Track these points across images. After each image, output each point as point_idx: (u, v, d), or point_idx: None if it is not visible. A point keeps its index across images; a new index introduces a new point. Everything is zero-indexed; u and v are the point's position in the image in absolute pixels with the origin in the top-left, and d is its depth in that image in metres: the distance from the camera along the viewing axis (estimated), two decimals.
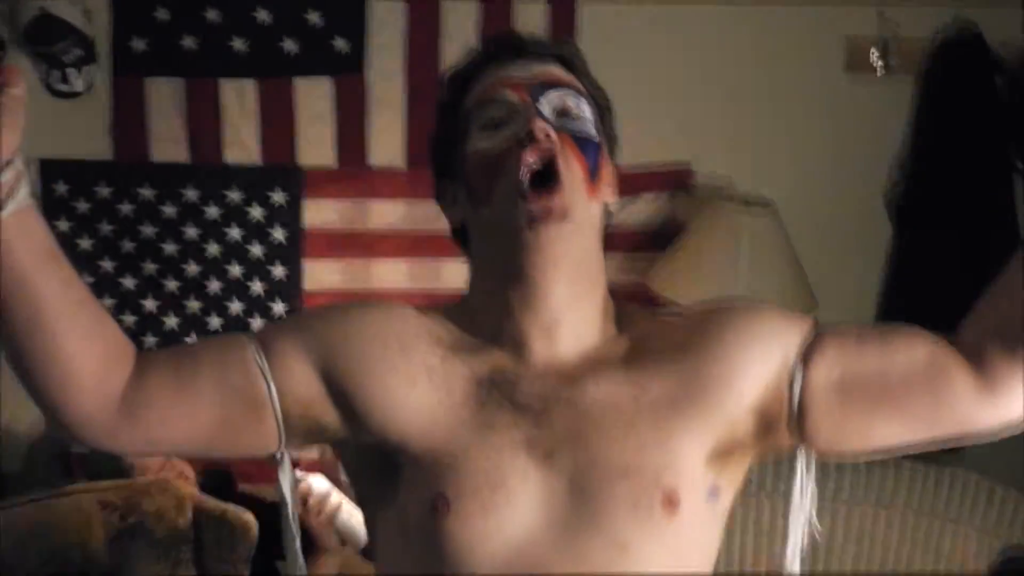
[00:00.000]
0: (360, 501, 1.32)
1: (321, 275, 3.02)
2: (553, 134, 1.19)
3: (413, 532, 1.20)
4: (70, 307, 1.17)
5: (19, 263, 1.14)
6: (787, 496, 2.12)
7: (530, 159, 1.17)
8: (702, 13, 2.93)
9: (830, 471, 2.31)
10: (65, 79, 2.86)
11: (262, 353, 1.21)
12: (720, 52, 2.95)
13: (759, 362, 1.21)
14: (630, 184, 3.00)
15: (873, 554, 2.29)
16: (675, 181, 3.01)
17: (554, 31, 2.91)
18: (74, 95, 2.88)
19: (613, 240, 3.00)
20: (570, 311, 1.22)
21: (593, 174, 1.22)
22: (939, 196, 2.92)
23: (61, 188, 2.94)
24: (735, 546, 2.30)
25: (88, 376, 1.16)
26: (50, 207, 2.94)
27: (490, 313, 1.24)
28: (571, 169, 1.19)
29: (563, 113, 1.22)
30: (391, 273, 3.02)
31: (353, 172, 2.98)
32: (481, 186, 1.22)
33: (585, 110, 1.24)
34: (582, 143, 1.21)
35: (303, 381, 1.22)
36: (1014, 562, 2.22)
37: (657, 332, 1.26)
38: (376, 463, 1.23)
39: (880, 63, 2.93)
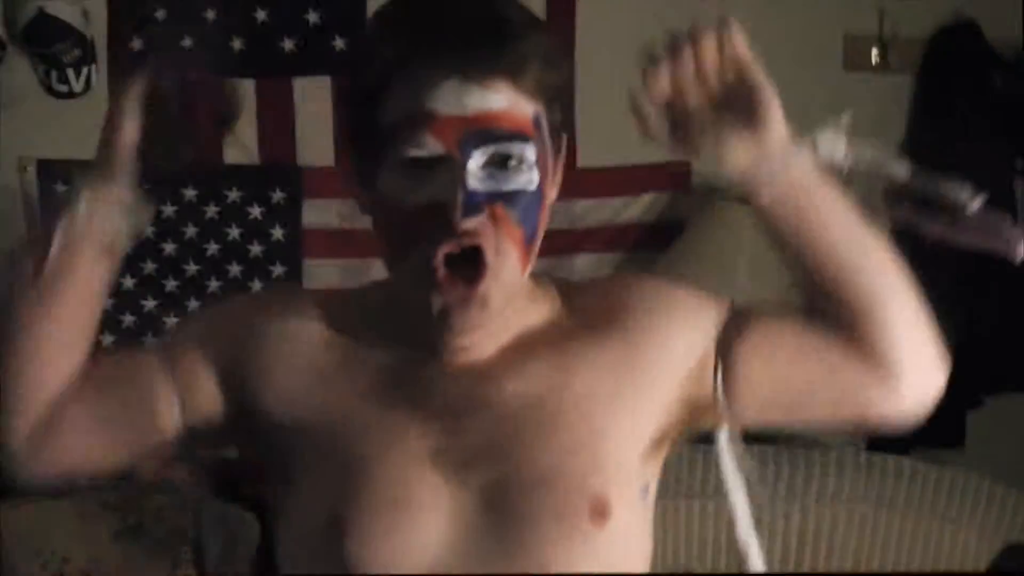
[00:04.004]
0: (259, 506, 1.26)
1: (320, 275, 3.02)
2: (479, 221, 1.02)
3: (313, 552, 1.10)
4: (90, 318, 1.18)
5: (86, 261, 1.17)
6: (773, 496, 2.13)
7: (449, 250, 1.03)
8: (701, 9, 2.91)
9: (830, 470, 2.31)
10: (64, 79, 2.85)
11: (171, 374, 1.16)
12: None
13: (687, 351, 1.13)
14: (631, 183, 3.01)
15: (872, 554, 2.29)
16: (674, 180, 3.00)
17: (553, 25, 2.90)
18: (73, 95, 2.88)
19: (613, 239, 3.03)
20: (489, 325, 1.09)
21: (530, 240, 1.07)
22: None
23: (60, 188, 2.94)
24: (735, 546, 2.30)
25: (50, 391, 1.13)
26: (49, 208, 2.94)
27: (403, 312, 1.11)
28: (501, 250, 1.04)
29: (499, 164, 1.04)
30: None
31: None
32: (391, 240, 1.08)
33: (528, 155, 1.05)
34: (519, 210, 1.05)
35: (208, 398, 1.16)
36: (1015, 562, 2.22)
37: (579, 307, 1.16)
38: (275, 474, 1.15)
39: (879, 60, 2.93)
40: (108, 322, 3.00)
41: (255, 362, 1.15)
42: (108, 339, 3.01)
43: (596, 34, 2.90)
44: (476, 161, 1.03)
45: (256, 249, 3.00)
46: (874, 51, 2.93)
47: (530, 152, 1.05)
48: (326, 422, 1.11)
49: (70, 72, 2.85)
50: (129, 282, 2.99)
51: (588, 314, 1.15)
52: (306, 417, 1.12)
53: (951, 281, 2.92)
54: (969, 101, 2.87)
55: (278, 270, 3.01)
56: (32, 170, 2.93)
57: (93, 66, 2.88)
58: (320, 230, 3.00)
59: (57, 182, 2.93)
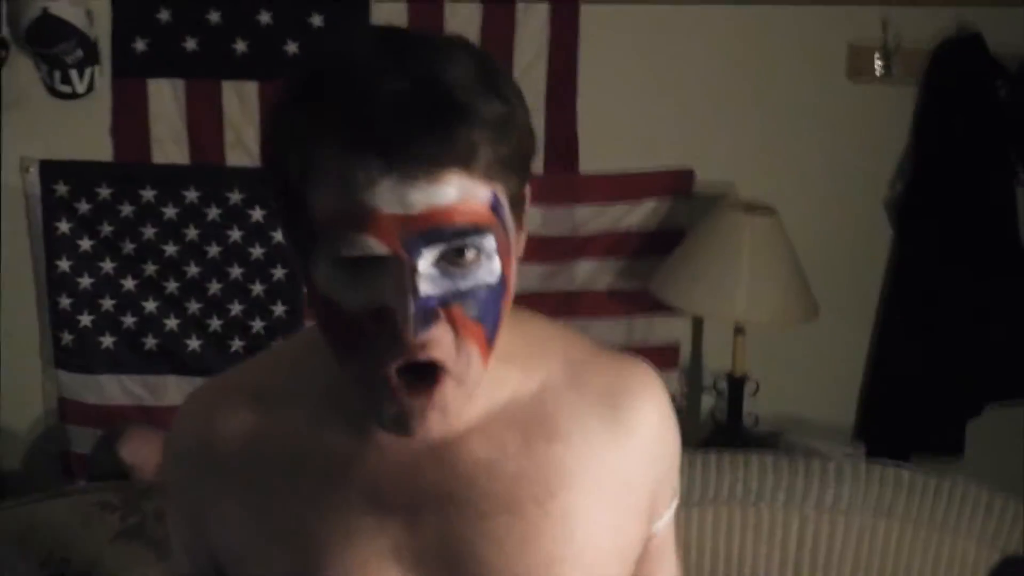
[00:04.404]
0: None
1: None
2: (435, 330, 0.89)
3: None
4: None
5: None
6: (787, 504, 2.12)
7: (401, 364, 0.90)
8: (704, 18, 2.93)
9: (829, 479, 2.31)
10: (67, 80, 2.85)
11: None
12: (723, 57, 2.95)
13: (663, 483, 1.09)
14: (632, 189, 3.02)
15: (871, 563, 2.29)
16: (677, 186, 3.00)
17: (555, 33, 2.91)
18: (75, 96, 2.88)
19: (614, 246, 3.03)
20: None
21: (493, 332, 0.94)
22: (941, 202, 2.92)
23: (62, 189, 2.94)
24: (734, 554, 2.30)
25: None
26: (51, 208, 2.94)
27: (349, 391, 0.97)
28: (461, 354, 0.92)
29: (454, 260, 0.89)
30: None
31: None
32: (333, 341, 0.94)
33: (487, 245, 0.90)
34: (479, 306, 0.92)
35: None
36: (1014, 571, 2.22)
37: (581, 381, 1.04)
38: None
39: (882, 70, 2.93)
40: (109, 322, 3.01)
41: (204, 508, 1.06)
42: (108, 339, 3.02)
43: (598, 43, 2.90)
44: (426, 260, 0.88)
45: (257, 251, 3.01)
46: (877, 61, 2.93)
47: (489, 242, 0.90)
48: (277, 539, 1.02)
49: (73, 73, 2.85)
50: (130, 283, 2.99)
51: (588, 396, 1.04)
52: (255, 541, 1.03)
53: (953, 291, 2.93)
54: (972, 112, 2.87)
55: (278, 272, 3.01)
56: (35, 170, 2.93)
57: (96, 67, 2.88)
58: None
59: (59, 182, 2.94)
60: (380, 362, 0.90)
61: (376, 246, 0.87)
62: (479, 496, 0.99)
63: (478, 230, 0.89)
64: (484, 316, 0.92)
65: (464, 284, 0.90)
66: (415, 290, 0.87)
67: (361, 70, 0.88)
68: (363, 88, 0.87)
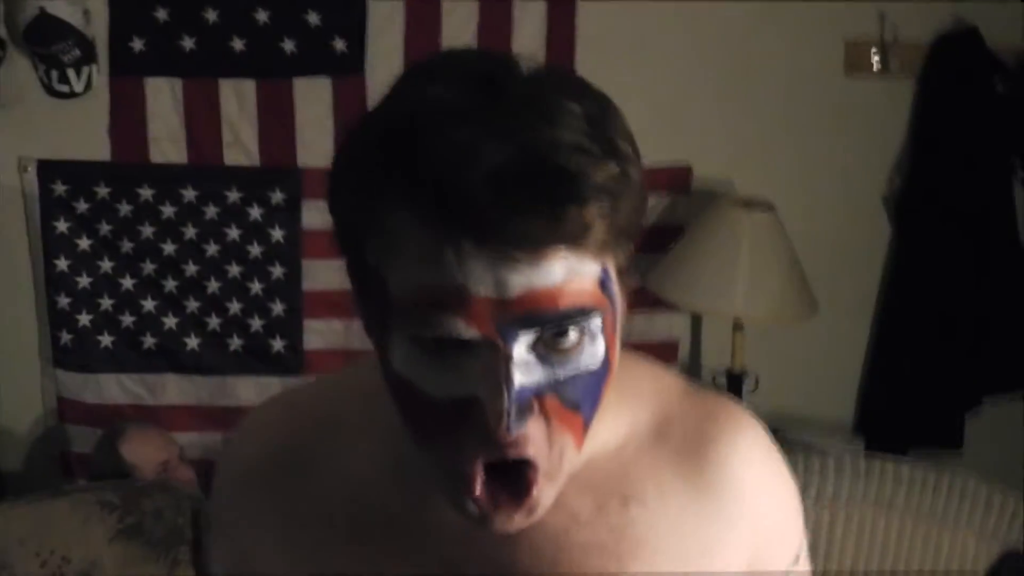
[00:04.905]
0: None
1: (320, 275, 3.02)
2: (528, 426, 0.78)
3: None
4: None
5: None
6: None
7: (489, 461, 0.80)
8: (702, 14, 2.93)
9: (828, 473, 2.31)
10: (64, 79, 2.85)
11: None
12: (720, 53, 2.95)
13: (765, 550, 0.95)
14: None
15: (872, 556, 2.29)
16: (675, 182, 3.00)
17: (553, 30, 2.91)
18: (73, 95, 2.88)
19: None
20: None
21: (588, 425, 0.83)
22: (939, 197, 2.92)
23: (60, 188, 2.94)
24: None
25: None
26: (49, 207, 2.94)
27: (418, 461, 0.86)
28: (552, 451, 0.81)
29: (553, 344, 0.78)
30: None
31: None
32: (410, 421, 0.83)
33: (592, 326, 0.79)
34: (579, 394, 0.80)
35: None
36: (1013, 565, 2.22)
37: (665, 432, 0.93)
38: None
39: (880, 65, 2.93)
40: (107, 321, 3.01)
41: (249, 539, 0.98)
42: (107, 339, 3.01)
43: (595, 39, 2.90)
44: (522, 345, 0.77)
45: (256, 250, 3.00)
46: (875, 56, 2.93)
47: (594, 323, 0.79)
48: None
49: (71, 72, 2.85)
50: (129, 282, 2.99)
51: (669, 449, 0.92)
52: None
53: (952, 285, 2.93)
54: (970, 106, 2.87)
55: (277, 271, 3.01)
56: (32, 170, 2.93)
57: (94, 66, 2.88)
58: (319, 231, 2.99)
59: (57, 182, 2.94)
60: (464, 456, 0.79)
61: (465, 330, 0.76)
62: (546, 569, 0.88)
63: (584, 312, 0.78)
64: (582, 403, 0.81)
65: (563, 372, 0.79)
66: (509, 381, 0.76)
67: (453, 128, 0.74)
68: (456, 153, 0.73)
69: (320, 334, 3.04)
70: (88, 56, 2.86)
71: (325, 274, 3.01)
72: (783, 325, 2.92)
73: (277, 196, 2.98)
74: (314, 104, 2.95)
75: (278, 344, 3.04)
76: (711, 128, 2.99)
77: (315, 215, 2.98)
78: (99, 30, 2.88)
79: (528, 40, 2.90)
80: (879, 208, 3.05)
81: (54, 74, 2.85)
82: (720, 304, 2.74)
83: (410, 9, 2.91)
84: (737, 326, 2.86)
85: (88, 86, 2.89)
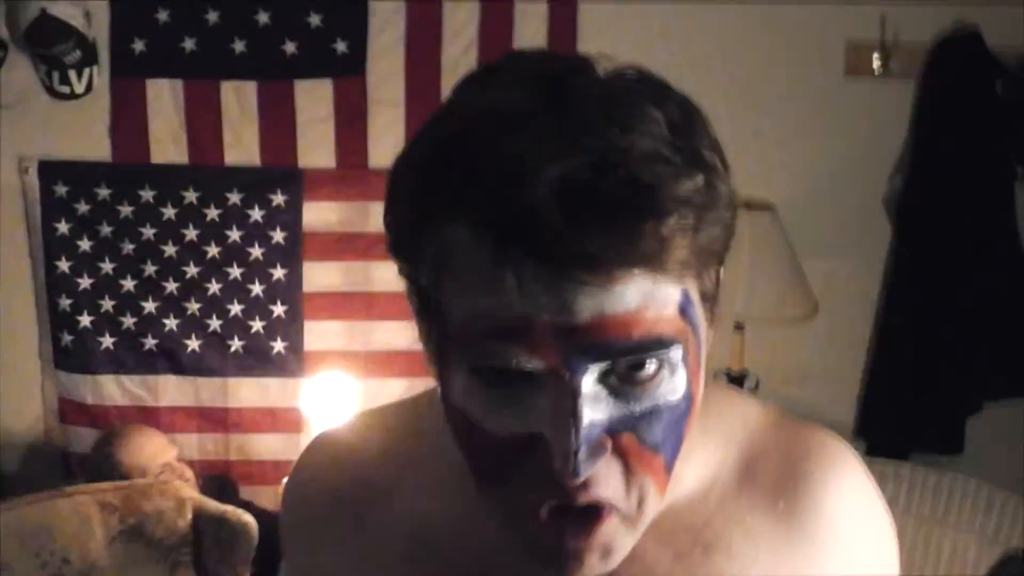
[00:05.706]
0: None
1: (321, 277, 3.02)
2: (600, 467, 0.70)
3: None
4: None
5: None
6: None
7: (557, 504, 0.71)
8: (702, 15, 2.93)
9: None
10: (65, 80, 2.85)
11: None
12: (721, 55, 2.95)
13: None
14: None
15: None
16: None
17: (554, 31, 2.91)
18: (74, 96, 2.88)
19: None
20: None
21: (670, 467, 0.74)
22: (939, 199, 2.92)
23: (61, 189, 2.94)
24: None
25: None
26: (50, 208, 2.94)
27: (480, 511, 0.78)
28: (630, 494, 0.72)
29: (627, 377, 0.70)
30: (390, 275, 3.01)
31: (353, 174, 2.97)
32: (470, 457, 0.75)
33: (672, 357, 0.70)
34: (659, 432, 0.72)
35: None
36: (1013, 567, 2.22)
37: (751, 467, 0.84)
38: None
39: (881, 67, 2.93)
40: (108, 323, 3.01)
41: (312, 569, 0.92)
42: (108, 340, 3.02)
43: (596, 42, 2.90)
44: (591, 377, 0.68)
45: (256, 251, 3.00)
46: (876, 58, 2.93)
47: (675, 354, 0.70)
48: None
49: (72, 73, 2.85)
50: (130, 283, 2.99)
51: (757, 487, 0.83)
52: None
53: (951, 288, 2.93)
54: (970, 109, 2.87)
55: (278, 272, 3.01)
56: (33, 171, 2.93)
57: (95, 67, 2.88)
58: (320, 232, 3.00)
59: (58, 183, 2.94)
60: (528, 499, 0.71)
61: (528, 361, 0.68)
62: None
63: (661, 343, 0.69)
64: (663, 443, 0.72)
65: (639, 407, 0.70)
66: (577, 417, 0.68)
67: (512, 136, 0.67)
68: (515, 163, 0.66)
69: (321, 336, 3.04)
70: (89, 57, 2.86)
71: (326, 276, 3.02)
72: (783, 325, 2.92)
73: (278, 198, 2.98)
74: (315, 105, 2.95)
75: (279, 345, 3.04)
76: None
77: (316, 216, 2.99)
78: (100, 31, 2.88)
79: (528, 42, 2.90)
80: (879, 209, 3.04)
81: (55, 75, 2.85)
82: (720, 304, 2.73)
83: (411, 11, 2.91)
84: (737, 327, 2.86)
85: (89, 87, 2.89)
